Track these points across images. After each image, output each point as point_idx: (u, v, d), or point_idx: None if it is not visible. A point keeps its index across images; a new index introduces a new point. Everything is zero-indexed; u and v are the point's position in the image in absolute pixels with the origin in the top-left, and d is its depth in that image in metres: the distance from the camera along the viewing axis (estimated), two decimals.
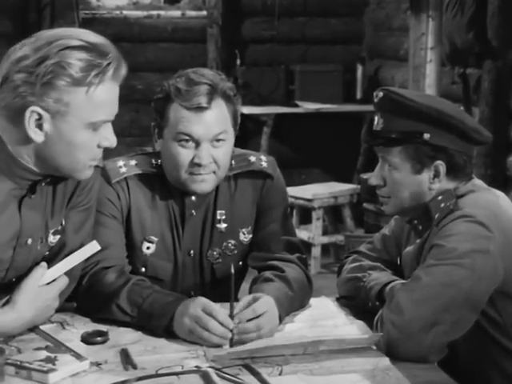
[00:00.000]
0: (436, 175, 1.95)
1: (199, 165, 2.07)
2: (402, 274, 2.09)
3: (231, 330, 1.82)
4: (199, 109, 2.05)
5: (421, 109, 1.91)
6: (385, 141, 1.96)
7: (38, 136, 1.71)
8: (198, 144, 2.07)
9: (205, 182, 2.10)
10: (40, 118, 1.69)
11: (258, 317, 1.86)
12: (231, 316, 1.83)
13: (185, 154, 2.08)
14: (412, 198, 1.98)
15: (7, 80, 1.69)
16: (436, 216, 1.94)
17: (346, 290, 2.15)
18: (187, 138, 2.07)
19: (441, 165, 1.94)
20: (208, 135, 2.07)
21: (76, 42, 1.69)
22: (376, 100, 1.99)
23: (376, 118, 2.00)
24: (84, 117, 1.71)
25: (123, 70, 1.75)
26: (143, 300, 1.94)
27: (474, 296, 1.84)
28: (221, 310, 1.85)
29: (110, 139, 1.77)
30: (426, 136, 1.92)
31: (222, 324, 1.82)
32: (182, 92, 2.06)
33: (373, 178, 2.03)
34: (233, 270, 1.89)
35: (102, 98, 1.72)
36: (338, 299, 2.18)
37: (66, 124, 1.71)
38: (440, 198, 1.95)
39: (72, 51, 1.67)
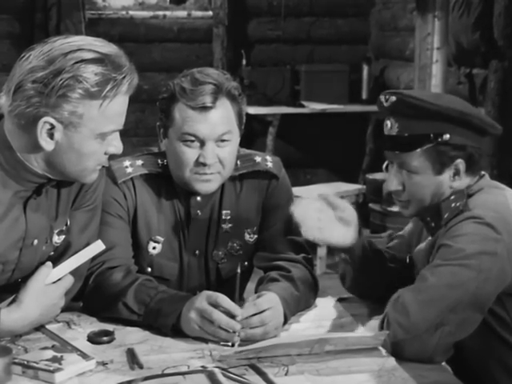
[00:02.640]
0: (456, 173, 1.94)
1: (204, 164, 2.07)
2: (410, 272, 2.09)
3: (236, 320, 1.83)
4: (204, 108, 2.05)
5: (440, 110, 1.89)
6: (403, 145, 1.93)
7: (48, 145, 1.73)
8: (202, 144, 2.07)
9: (209, 182, 2.10)
10: (52, 127, 1.71)
11: (261, 312, 1.86)
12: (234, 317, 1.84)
13: (190, 153, 2.08)
14: (432, 199, 1.96)
15: (20, 88, 1.70)
16: (445, 216, 1.94)
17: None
18: (192, 137, 2.07)
19: (460, 163, 1.93)
20: (213, 135, 2.07)
21: (91, 54, 1.70)
22: (387, 104, 1.95)
23: (388, 123, 1.96)
24: (95, 128, 1.73)
25: (135, 81, 1.76)
26: (150, 299, 1.95)
27: (480, 297, 1.83)
28: (225, 297, 1.86)
29: (116, 146, 1.80)
30: (446, 136, 1.91)
31: (228, 310, 1.83)
32: (186, 91, 2.06)
33: (391, 185, 1.99)
34: (239, 270, 1.89)
35: (114, 111, 1.74)
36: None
37: (78, 134, 1.73)
38: (452, 197, 1.94)
39: (87, 65, 1.68)
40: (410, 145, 1.93)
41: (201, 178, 2.09)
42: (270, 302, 1.90)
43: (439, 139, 1.91)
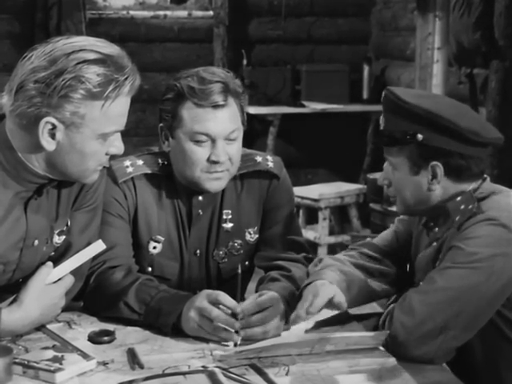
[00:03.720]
0: (434, 176, 1.91)
1: (216, 162, 2.07)
2: (409, 275, 2.08)
3: (237, 319, 1.83)
4: (215, 107, 2.05)
5: (412, 109, 1.88)
6: (385, 140, 1.95)
7: (49, 145, 1.73)
8: (213, 142, 2.07)
9: (219, 180, 2.11)
10: (54, 127, 1.71)
11: (262, 311, 1.86)
12: (235, 315, 1.84)
13: (201, 152, 2.07)
14: (415, 199, 1.95)
15: (22, 88, 1.70)
16: (457, 218, 1.90)
17: None
18: (204, 136, 2.06)
19: (437, 166, 1.90)
20: (224, 132, 2.07)
21: (93, 55, 1.70)
22: (382, 100, 1.98)
23: (381, 118, 1.99)
24: (97, 128, 1.73)
25: (138, 82, 1.76)
26: (151, 298, 1.95)
27: (489, 300, 1.81)
28: (226, 295, 1.86)
29: (118, 147, 1.80)
30: (419, 137, 1.89)
31: (229, 308, 1.83)
32: (196, 91, 2.05)
33: (380, 178, 2.05)
34: (240, 270, 1.89)
35: (116, 112, 1.74)
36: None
37: (79, 135, 1.73)
38: (459, 199, 1.91)
39: (89, 65, 1.68)
40: (390, 140, 1.94)
41: (211, 176, 2.09)
42: (271, 300, 1.90)
43: (412, 139, 1.89)
